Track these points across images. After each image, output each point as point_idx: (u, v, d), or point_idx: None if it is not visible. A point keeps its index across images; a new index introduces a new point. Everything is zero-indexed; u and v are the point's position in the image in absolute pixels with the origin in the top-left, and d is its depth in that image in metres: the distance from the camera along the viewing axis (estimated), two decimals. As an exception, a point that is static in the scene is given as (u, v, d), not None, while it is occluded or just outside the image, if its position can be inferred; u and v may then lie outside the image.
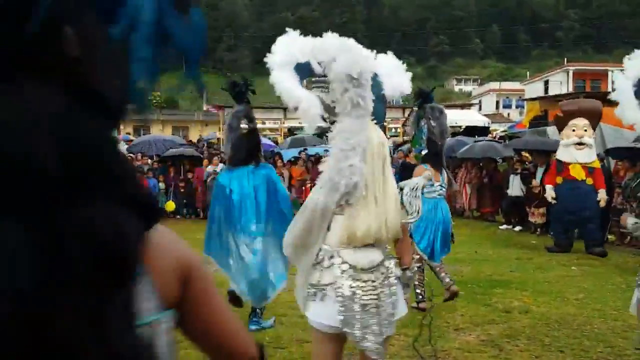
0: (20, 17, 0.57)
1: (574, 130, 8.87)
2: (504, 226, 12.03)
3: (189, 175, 13.86)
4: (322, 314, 2.59)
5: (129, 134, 28.88)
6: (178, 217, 13.55)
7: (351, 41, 2.80)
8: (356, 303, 2.54)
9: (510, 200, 11.90)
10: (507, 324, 5.20)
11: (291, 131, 24.90)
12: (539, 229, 10.94)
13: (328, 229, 2.62)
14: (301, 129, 27.51)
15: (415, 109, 5.83)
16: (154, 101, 44.14)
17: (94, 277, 0.59)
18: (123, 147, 18.34)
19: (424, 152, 5.60)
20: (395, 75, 3.09)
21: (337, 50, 2.77)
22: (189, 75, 0.81)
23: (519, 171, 11.83)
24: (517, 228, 11.66)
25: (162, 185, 13.68)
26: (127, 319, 0.65)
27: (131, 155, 15.92)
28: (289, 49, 2.83)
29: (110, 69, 0.67)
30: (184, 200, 13.88)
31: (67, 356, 0.57)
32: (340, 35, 2.83)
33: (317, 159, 14.57)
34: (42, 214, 0.57)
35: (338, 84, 2.69)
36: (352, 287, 2.54)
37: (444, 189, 5.57)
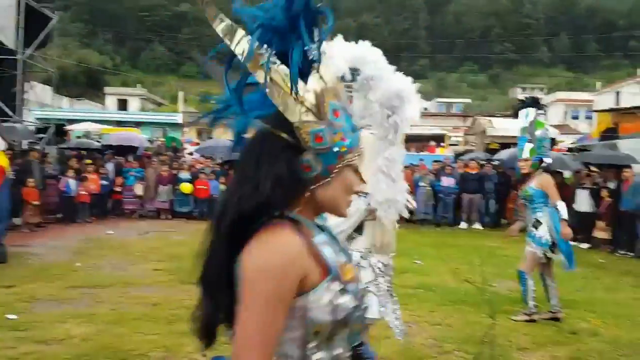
0: None
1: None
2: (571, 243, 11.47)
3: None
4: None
5: (193, 137, 29.75)
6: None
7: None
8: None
9: (577, 215, 11.36)
10: (574, 346, 4.95)
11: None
12: (606, 247, 10.37)
13: None
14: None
15: (527, 117, 5.73)
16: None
17: (226, 225, 1.15)
18: (191, 149, 18.92)
19: (547, 161, 5.63)
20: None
21: (386, 71, 2.90)
22: None
23: (586, 185, 11.27)
24: (584, 245, 11.11)
25: (223, 187, 13.95)
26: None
27: (196, 157, 16.41)
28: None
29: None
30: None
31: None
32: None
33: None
34: None
35: (382, 108, 2.84)
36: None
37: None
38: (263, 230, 1.14)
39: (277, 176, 1.14)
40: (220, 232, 1.16)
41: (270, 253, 1.10)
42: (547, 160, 5.69)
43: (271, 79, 1.16)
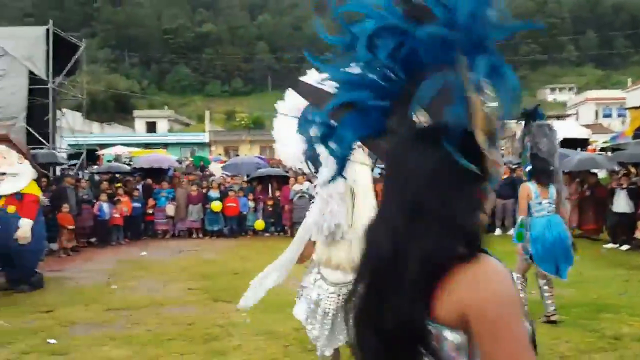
0: None
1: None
2: (609, 245, 11.14)
3: (277, 194, 14.13)
4: (296, 310, 3.41)
5: (220, 154, 30.11)
6: (267, 234, 13.84)
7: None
8: (319, 307, 3.14)
9: (616, 216, 11.03)
10: (617, 352, 4.77)
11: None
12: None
13: None
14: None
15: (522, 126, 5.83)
16: (242, 122, 45.87)
17: (417, 270, 1.02)
18: (217, 167, 19.16)
19: (528, 169, 5.70)
20: None
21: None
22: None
23: (624, 186, 10.95)
24: (624, 247, 10.76)
25: (251, 204, 14.05)
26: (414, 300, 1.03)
27: (224, 175, 16.58)
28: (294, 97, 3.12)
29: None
30: (271, 219, 14.15)
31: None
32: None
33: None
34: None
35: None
36: (318, 295, 3.19)
37: (552, 206, 5.56)
38: (474, 265, 1.03)
39: (475, 210, 1.07)
40: (406, 281, 1.03)
41: (504, 284, 1.02)
42: (527, 169, 5.77)
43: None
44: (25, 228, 7.53)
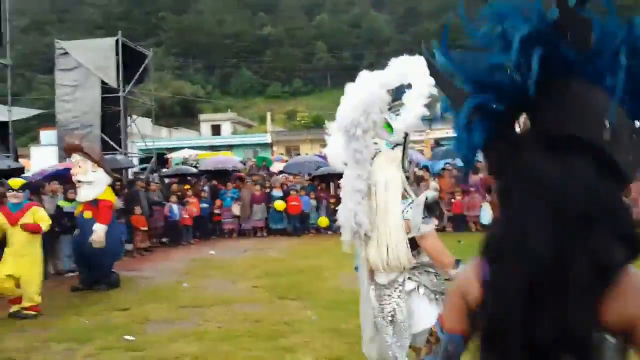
0: None
1: None
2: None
3: (339, 192, 14.15)
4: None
5: (282, 154, 30.55)
6: (329, 232, 13.92)
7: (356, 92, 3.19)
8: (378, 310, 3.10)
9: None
10: None
11: (437, 142, 24.33)
12: None
13: None
14: (449, 139, 26.78)
15: None
16: (302, 121, 46.27)
17: (587, 278, 1.01)
18: (279, 166, 19.46)
19: None
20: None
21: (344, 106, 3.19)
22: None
23: None
24: None
25: (313, 202, 14.18)
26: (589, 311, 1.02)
27: (286, 174, 16.83)
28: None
29: (626, 148, 1.07)
30: (334, 217, 14.17)
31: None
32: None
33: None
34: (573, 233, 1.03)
35: (343, 136, 3.20)
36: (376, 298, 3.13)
37: None
38: (632, 271, 1.07)
39: (631, 215, 1.11)
40: (574, 290, 1.02)
41: None
42: None
43: None
44: (99, 233, 7.95)
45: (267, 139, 35.67)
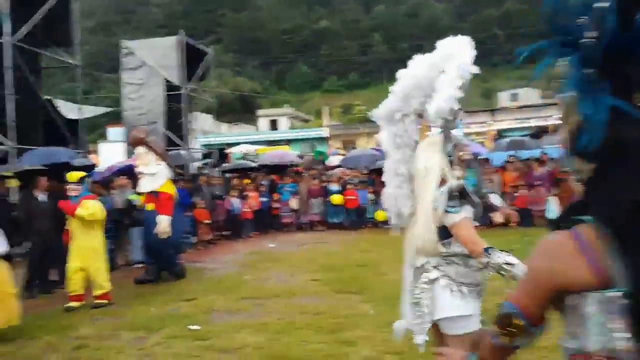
0: None
1: None
2: None
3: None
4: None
5: (338, 148, 30.60)
6: (387, 226, 13.83)
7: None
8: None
9: None
10: None
11: (500, 133, 23.66)
12: None
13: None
14: (513, 130, 26.00)
15: None
16: (358, 115, 46.12)
17: None
18: (335, 160, 19.52)
19: None
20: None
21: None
22: None
23: None
24: None
25: (371, 196, 14.15)
26: None
27: (343, 168, 16.87)
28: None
29: None
30: (393, 210, 14.11)
31: None
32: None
33: (529, 164, 13.56)
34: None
35: (384, 121, 3.29)
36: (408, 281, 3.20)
37: None
38: None
39: None
40: None
41: None
42: None
43: None
44: (164, 224, 8.26)
45: (324, 133, 35.83)
